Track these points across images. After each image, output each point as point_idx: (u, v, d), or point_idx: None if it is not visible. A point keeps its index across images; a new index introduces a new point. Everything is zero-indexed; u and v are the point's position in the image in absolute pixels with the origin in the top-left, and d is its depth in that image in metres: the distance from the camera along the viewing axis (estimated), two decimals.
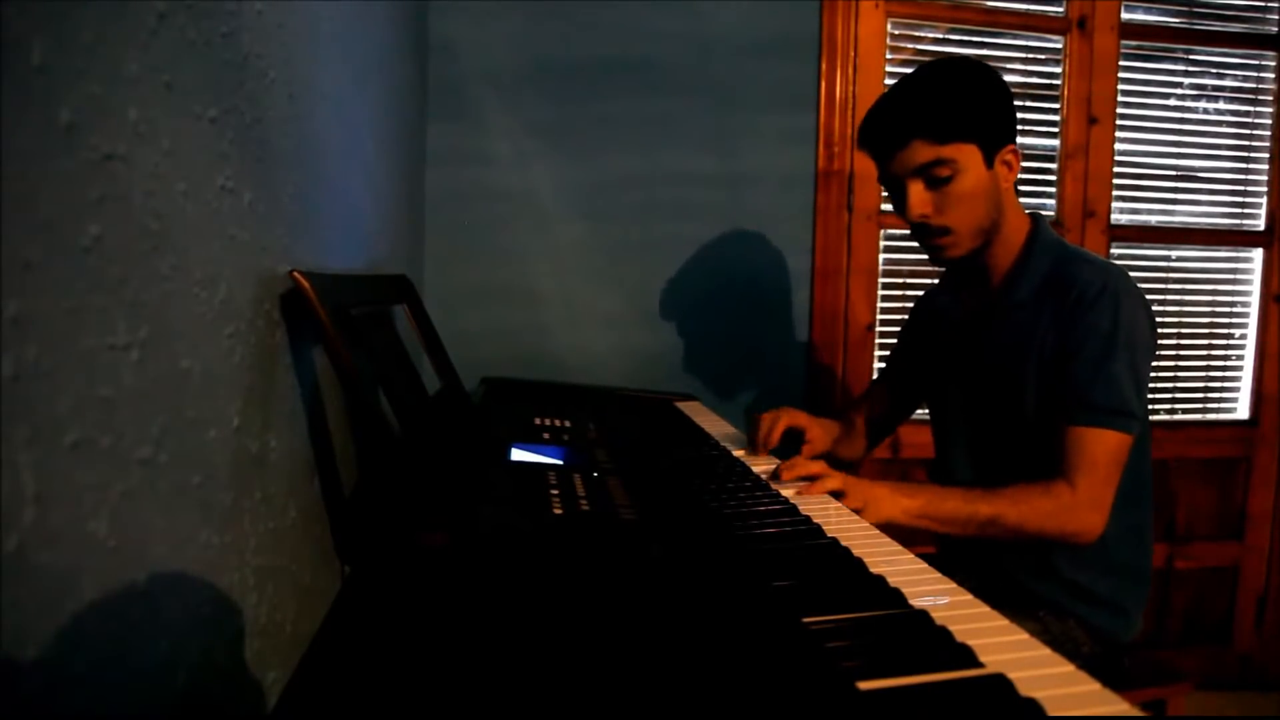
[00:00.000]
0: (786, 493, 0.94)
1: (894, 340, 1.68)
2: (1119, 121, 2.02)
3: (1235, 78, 2.09)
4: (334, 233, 0.89)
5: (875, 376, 1.50)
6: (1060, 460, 1.03)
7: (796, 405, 1.82)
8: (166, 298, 0.45)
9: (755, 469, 1.05)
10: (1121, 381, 1.02)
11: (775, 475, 1.01)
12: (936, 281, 1.38)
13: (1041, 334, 1.09)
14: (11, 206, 0.31)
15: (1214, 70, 2.08)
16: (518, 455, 1.00)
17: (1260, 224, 2.11)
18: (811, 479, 0.98)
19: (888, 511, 0.97)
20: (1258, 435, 2.12)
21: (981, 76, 1.09)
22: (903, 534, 0.83)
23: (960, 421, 1.24)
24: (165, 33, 0.45)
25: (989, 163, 1.08)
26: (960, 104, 1.07)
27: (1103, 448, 1.02)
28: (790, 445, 1.30)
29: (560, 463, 0.99)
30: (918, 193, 1.09)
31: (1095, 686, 0.46)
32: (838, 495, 0.95)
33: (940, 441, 1.30)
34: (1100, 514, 1.02)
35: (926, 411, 1.36)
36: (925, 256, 1.18)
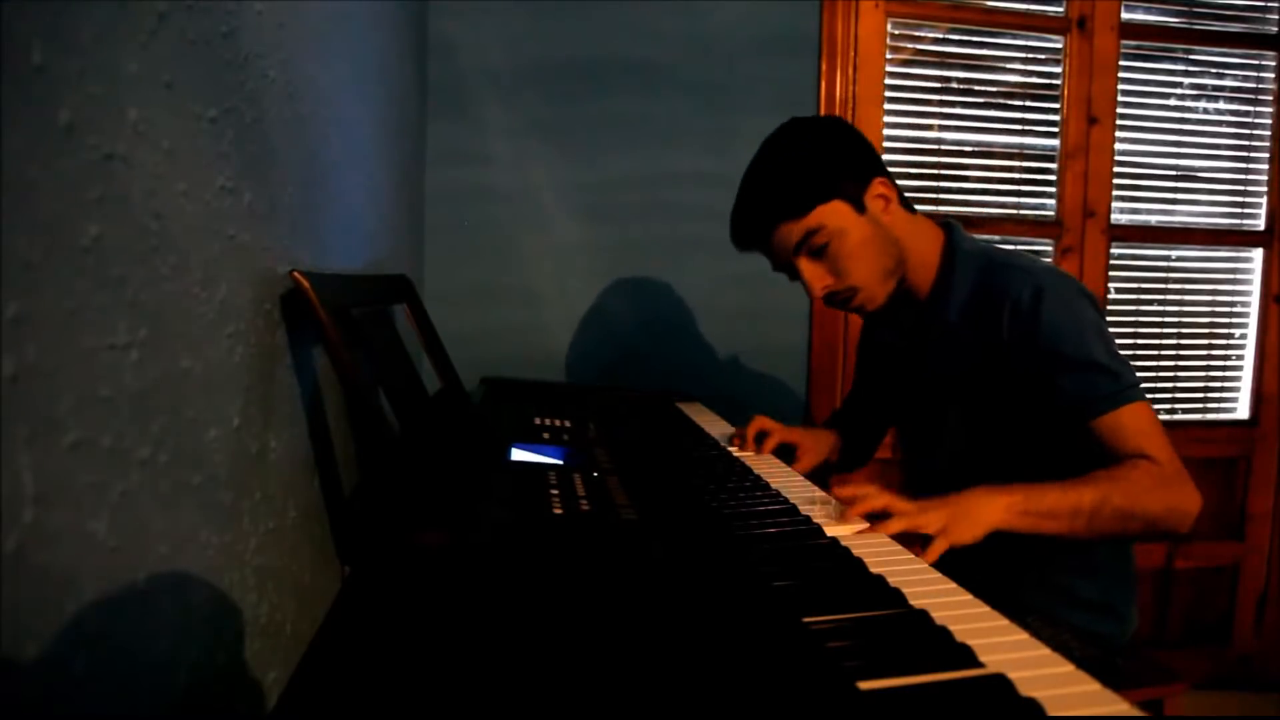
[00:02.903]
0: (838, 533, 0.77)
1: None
2: (1119, 121, 2.02)
3: (1235, 78, 2.09)
4: (334, 233, 0.89)
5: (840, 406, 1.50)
6: (1113, 448, 0.97)
7: (797, 407, 1.81)
8: (166, 298, 0.45)
9: (756, 469, 1.05)
10: (1113, 361, 1.00)
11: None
12: None
13: (978, 349, 1.08)
14: (11, 206, 0.31)
15: (1214, 70, 2.08)
16: (518, 455, 1.00)
17: (1260, 224, 2.11)
18: (878, 516, 0.83)
19: (987, 518, 0.88)
20: (1258, 435, 2.12)
21: (813, 136, 1.10)
22: (902, 535, 0.81)
23: (920, 440, 1.25)
24: (165, 33, 0.45)
25: (859, 209, 1.08)
26: (800, 173, 1.07)
27: (1145, 417, 0.98)
28: (783, 457, 1.29)
29: (560, 463, 0.99)
30: (809, 268, 1.10)
31: (1095, 686, 0.46)
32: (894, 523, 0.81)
33: (906, 462, 1.32)
34: (1191, 483, 0.95)
35: None
36: None
